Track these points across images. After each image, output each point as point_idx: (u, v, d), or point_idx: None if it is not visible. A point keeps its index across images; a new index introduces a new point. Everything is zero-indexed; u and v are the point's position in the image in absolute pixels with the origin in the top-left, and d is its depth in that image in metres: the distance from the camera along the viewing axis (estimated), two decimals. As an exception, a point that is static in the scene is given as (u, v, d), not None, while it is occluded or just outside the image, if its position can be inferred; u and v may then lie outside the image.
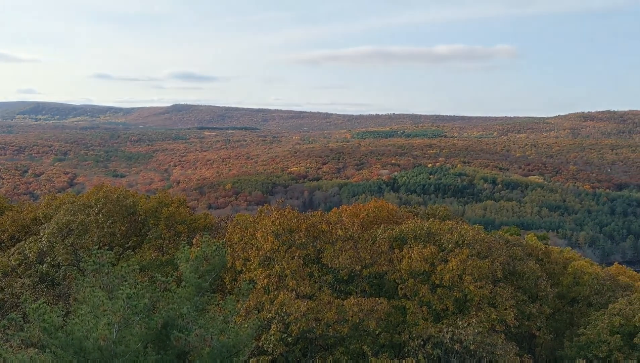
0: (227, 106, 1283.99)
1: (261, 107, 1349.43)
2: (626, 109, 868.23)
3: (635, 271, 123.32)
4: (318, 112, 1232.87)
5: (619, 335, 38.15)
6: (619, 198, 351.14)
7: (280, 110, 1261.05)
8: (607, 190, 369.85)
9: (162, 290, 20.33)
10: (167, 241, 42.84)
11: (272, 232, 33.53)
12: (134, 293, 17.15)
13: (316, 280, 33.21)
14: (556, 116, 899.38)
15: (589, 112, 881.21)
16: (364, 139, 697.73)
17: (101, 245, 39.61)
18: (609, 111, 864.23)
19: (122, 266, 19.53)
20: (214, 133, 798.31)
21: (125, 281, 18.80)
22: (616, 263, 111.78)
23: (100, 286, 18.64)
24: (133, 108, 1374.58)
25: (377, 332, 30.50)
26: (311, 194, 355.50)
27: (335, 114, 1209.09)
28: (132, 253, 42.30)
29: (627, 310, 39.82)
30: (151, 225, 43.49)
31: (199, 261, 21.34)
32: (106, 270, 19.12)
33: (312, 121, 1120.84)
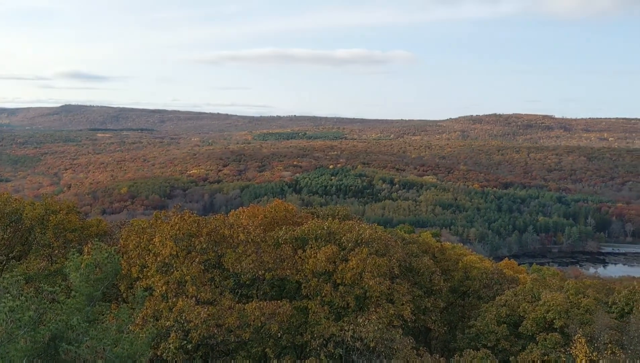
0: (122, 106, 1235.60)
1: (158, 108, 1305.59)
2: (511, 112, 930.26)
3: (520, 264, 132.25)
4: (218, 114, 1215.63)
5: (505, 325, 40.67)
6: (505, 196, 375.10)
7: (179, 111, 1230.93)
8: (495, 189, 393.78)
9: (49, 301, 19.14)
10: (57, 250, 40.44)
11: (171, 237, 32.55)
12: (17, 305, 16.01)
13: (217, 285, 32.64)
14: (448, 119, 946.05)
15: (477, 115, 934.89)
16: (266, 140, 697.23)
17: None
18: (495, 115, 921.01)
19: (4, 278, 18.20)
20: (107, 135, 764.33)
21: (8, 293, 17.51)
22: (506, 258, 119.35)
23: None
24: (18, 108, 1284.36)
25: (280, 334, 30.49)
26: (212, 198, 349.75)
27: (236, 115, 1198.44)
28: (17, 263, 39.55)
29: (512, 301, 42.54)
30: (38, 233, 40.84)
31: (90, 269, 20.30)
32: (-15, 283, 17.72)
33: (212, 123, 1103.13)
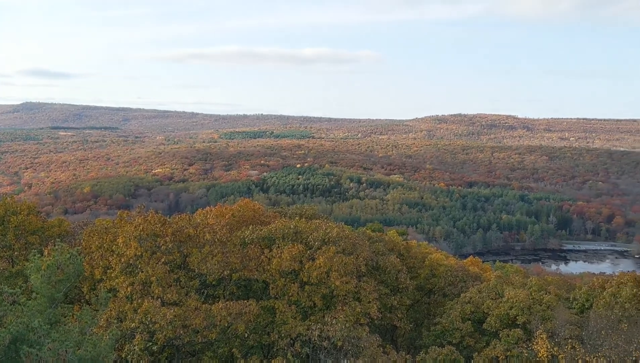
0: (84, 104, 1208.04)
1: (122, 106, 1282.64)
2: (475, 112, 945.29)
3: (484, 262, 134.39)
4: (184, 112, 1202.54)
5: (469, 322, 41.32)
6: (469, 194, 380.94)
7: (143, 109, 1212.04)
8: (460, 187, 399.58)
9: (10, 303, 18.67)
10: (17, 252, 39.39)
11: (135, 237, 32.07)
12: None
13: (183, 286, 32.30)
14: (414, 119, 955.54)
15: (442, 115, 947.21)
16: (232, 139, 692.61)
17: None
18: (460, 115, 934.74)
19: (-40, 281, 17.70)
20: (69, 133, 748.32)
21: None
22: (471, 256, 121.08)
23: None
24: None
25: (246, 334, 30.36)
26: (177, 197, 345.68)
27: (202, 113, 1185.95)
28: (-24, 265, 38.39)
29: (476, 299, 43.23)
30: (-3, 235, 39.69)
31: (52, 270, 19.87)
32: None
33: (177, 121, 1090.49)
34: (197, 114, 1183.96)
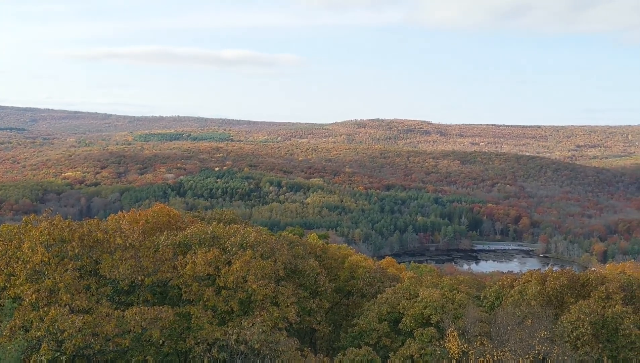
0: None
1: (30, 106, 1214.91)
2: (392, 117, 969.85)
3: (400, 262, 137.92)
4: (96, 113, 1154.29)
5: (386, 322, 42.29)
6: (387, 197, 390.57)
7: (53, 109, 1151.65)
8: (378, 191, 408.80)
9: None
10: None
11: (42, 243, 30.51)
12: None
13: (93, 293, 31.04)
14: (334, 123, 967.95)
15: (361, 119, 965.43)
16: (148, 141, 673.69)
17: None
18: (378, 119, 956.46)
19: None
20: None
21: None
22: (387, 257, 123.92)
23: None
24: None
25: (161, 341, 29.60)
26: (89, 202, 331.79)
27: (116, 115, 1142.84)
28: None
29: (392, 299, 44.30)
30: None
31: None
32: None
33: (89, 122, 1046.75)
34: (111, 115, 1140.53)
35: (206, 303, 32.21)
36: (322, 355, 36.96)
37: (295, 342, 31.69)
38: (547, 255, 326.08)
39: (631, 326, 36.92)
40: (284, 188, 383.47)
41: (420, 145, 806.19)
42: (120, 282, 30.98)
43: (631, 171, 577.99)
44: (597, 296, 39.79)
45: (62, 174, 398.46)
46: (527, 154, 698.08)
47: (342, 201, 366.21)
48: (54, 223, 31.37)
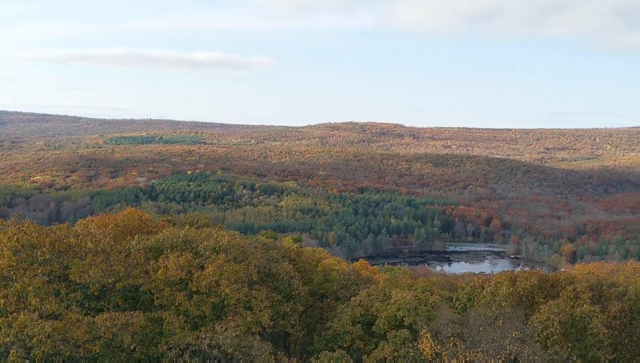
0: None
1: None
2: (366, 120, 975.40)
3: (374, 264, 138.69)
4: (66, 116, 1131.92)
5: (360, 325, 42.36)
6: (361, 200, 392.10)
7: (21, 112, 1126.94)
8: (352, 193, 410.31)
9: None
10: None
11: (10, 248, 29.87)
12: None
13: (63, 299, 30.48)
14: (307, 126, 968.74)
15: (335, 122, 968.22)
16: (119, 145, 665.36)
17: None
18: (352, 122, 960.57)
19: None
20: None
21: None
22: (361, 259, 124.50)
23: None
24: None
25: (133, 347, 29.19)
26: (59, 206, 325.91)
27: (86, 117, 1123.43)
28: None
29: (366, 301, 44.40)
30: None
31: None
32: None
33: (59, 125, 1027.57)
34: (81, 118, 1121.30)
35: (178, 308, 31.87)
36: (295, 358, 36.82)
37: (269, 346, 31.54)
38: (517, 256, 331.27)
39: (599, 325, 37.65)
40: (258, 191, 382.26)
41: (393, 148, 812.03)
42: (90, 287, 30.49)
43: (599, 173, 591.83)
44: (566, 296, 40.45)
45: (31, 178, 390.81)
46: (498, 156, 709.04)
47: (316, 204, 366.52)
48: (22, 228, 30.76)
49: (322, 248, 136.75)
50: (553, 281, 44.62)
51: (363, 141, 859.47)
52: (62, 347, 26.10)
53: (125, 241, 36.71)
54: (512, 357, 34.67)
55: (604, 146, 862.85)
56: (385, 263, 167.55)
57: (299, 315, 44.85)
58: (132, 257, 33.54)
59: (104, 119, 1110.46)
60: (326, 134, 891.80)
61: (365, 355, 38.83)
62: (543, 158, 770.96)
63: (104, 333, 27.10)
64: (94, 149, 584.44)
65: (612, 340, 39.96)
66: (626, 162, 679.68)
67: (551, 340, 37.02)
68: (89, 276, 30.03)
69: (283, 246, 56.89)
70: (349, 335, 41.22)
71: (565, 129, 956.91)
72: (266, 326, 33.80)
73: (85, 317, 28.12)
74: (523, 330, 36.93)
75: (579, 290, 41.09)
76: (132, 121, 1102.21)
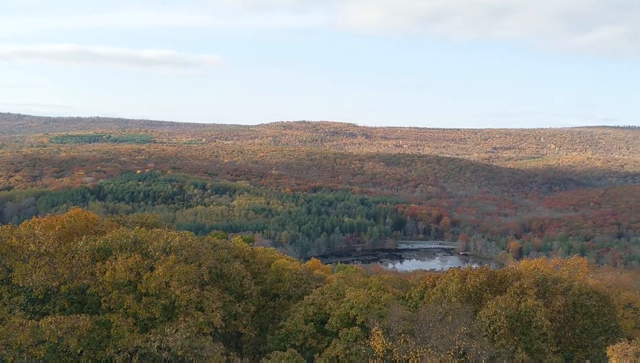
0: None
1: None
2: (318, 120, 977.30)
3: (327, 263, 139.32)
4: (9, 113, 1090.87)
5: (312, 323, 42.48)
6: (314, 199, 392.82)
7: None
8: (305, 192, 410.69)
9: None
10: None
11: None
12: None
13: (6, 303, 29.43)
14: (259, 125, 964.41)
15: (287, 121, 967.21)
16: (65, 143, 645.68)
17: None
18: (304, 121, 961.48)
19: None
20: None
21: None
22: (314, 258, 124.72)
23: None
24: None
25: (79, 351, 28.43)
26: (1, 206, 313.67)
27: (30, 115, 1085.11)
28: None
29: (319, 300, 44.58)
30: None
31: None
32: None
33: (1, 123, 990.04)
34: (25, 115, 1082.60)
35: (127, 311, 31.21)
36: (248, 359, 36.65)
37: (221, 347, 31.28)
38: (466, 252, 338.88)
39: (543, 318, 38.96)
40: (209, 191, 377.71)
41: (346, 147, 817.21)
42: (34, 290, 29.52)
43: (543, 172, 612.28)
44: (512, 292, 41.65)
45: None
46: (448, 156, 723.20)
47: (268, 203, 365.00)
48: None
49: (275, 248, 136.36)
50: (501, 277, 45.88)
51: (316, 140, 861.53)
52: (4, 351, 25.29)
53: (72, 243, 35.67)
54: (461, 352, 35.47)
55: (548, 145, 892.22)
56: (338, 262, 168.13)
57: (251, 315, 44.67)
58: (77, 259, 32.62)
59: (49, 117, 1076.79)
60: (279, 133, 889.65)
61: (318, 354, 38.97)
62: (490, 157, 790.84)
63: (49, 337, 26.34)
64: (39, 148, 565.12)
65: (555, 333, 41.42)
66: (569, 161, 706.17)
67: (498, 334, 38.08)
68: (32, 279, 29.10)
69: (237, 247, 56.46)
70: (301, 333, 41.28)
71: (512, 129, 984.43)
72: (218, 326, 33.50)
73: (29, 321, 27.28)
74: (471, 325, 37.83)
75: (525, 285, 42.36)
76: (79, 119, 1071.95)
